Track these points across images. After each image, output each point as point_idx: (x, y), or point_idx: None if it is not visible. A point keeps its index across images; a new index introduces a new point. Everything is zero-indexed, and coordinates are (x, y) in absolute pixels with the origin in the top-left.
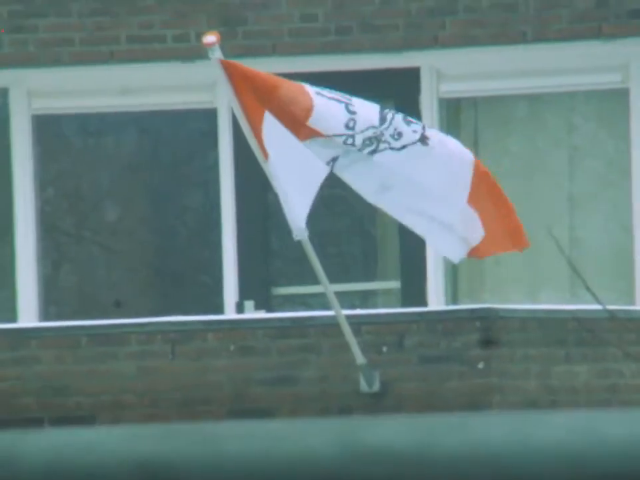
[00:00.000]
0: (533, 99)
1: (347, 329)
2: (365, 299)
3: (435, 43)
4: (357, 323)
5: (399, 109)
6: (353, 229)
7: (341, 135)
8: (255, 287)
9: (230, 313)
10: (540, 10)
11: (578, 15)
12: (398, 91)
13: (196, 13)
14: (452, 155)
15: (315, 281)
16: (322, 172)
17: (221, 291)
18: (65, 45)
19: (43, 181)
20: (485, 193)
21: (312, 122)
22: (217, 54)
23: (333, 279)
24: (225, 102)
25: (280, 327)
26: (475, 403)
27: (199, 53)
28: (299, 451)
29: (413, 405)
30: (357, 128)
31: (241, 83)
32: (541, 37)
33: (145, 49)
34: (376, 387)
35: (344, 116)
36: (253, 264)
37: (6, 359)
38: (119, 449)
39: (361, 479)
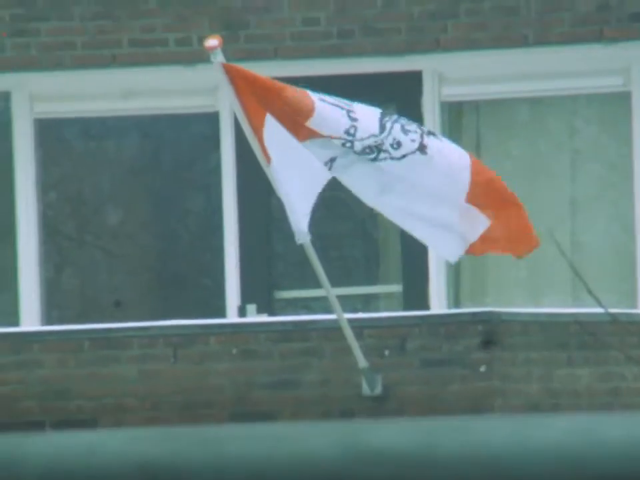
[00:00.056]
0: (535, 102)
1: (349, 333)
2: (367, 302)
3: (437, 46)
4: (359, 327)
5: (401, 112)
6: (355, 233)
7: (340, 139)
8: (257, 290)
9: (232, 317)
10: (542, 13)
11: (580, 18)
12: (400, 95)
13: (198, 16)
14: (450, 163)
15: (317, 284)
16: (323, 175)
17: (223, 294)
18: (67, 49)
19: (45, 185)
20: (486, 193)
21: (312, 123)
22: (218, 57)
23: (335, 283)
24: (226, 106)
25: (282, 330)
26: (477, 406)
27: (201, 57)
28: (300, 454)
29: (415, 408)
30: (358, 135)
31: (243, 86)
32: (542, 40)
33: (147, 53)
34: (378, 390)
35: (345, 123)
36: (255, 268)
37: (8, 362)
38: (121, 452)
39: None
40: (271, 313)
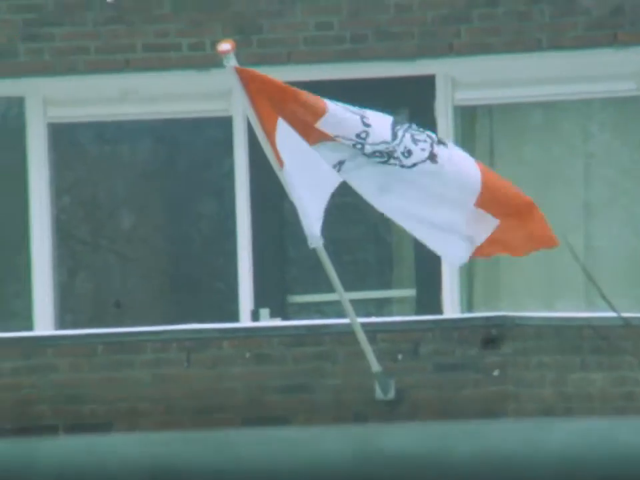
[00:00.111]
0: (548, 107)
1: (362, 337)
2: (380, 306)
3: (450, 50)
4: (372, 331)
5: (413, 117)
6: (368, 237)
7: (350, 140)
8: (270, 294)
9: (245, 321)
10: (555, 17)
11: (593, 22)
12: (413, 99)
13: (211, 21)
14: (460, 171)
15: (330, 288)
16: (334, 179)
17: (236, 298)
18: (80, 54)
19: (59, 189)
20: (496, 198)
21: (322, 124)
22: (231, 62)
23: (348, 287)
24: (240, 110)
25: (295, 334)
26: (490, 410)
27: (214, 62)
28: (314, 458)
29: (428, 412)
30: (369, 140)
31: (255, 90)
32: (556, 44)
33: (160, 58)
34: (391, 394)
35: (357, 126)
36: (268, 272)
37: (22, 366)
38: (133, 456)
39: None
40: (284, 317)
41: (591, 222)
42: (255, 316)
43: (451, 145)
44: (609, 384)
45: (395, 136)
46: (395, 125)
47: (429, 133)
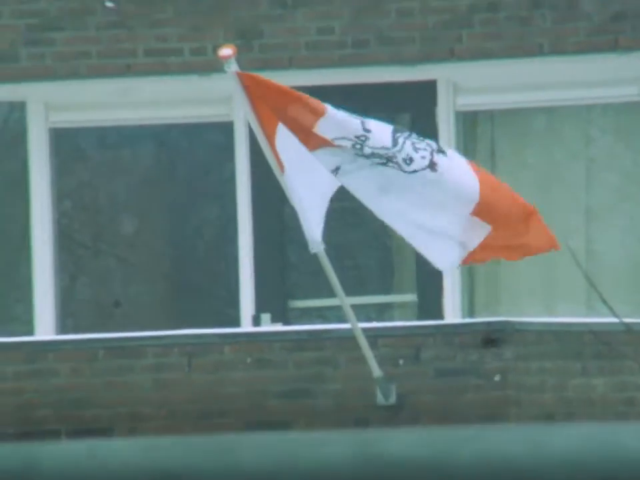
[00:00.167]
0: (550, 112)
1: (363, 342)
2: (382, 311)
3: (451, 55)
4: (373, 336)
5: (415, 122)
6: (370, 242)
7: (349, 140)
8: (271, 299)
9: (246, 326)
10: (556, 23)
11: (595, 27)
12: (415, 104)
13: (212, 26)
14: (459, 181)
15: (332, 293)
16: (333, 183)
17: (237, 303)
18: (82, 58)
19: (60, 194)
20: (494, 208)
21: (320, 126)
22: (233, 67)
23: (350, 292)
24: (241, 115)
25: (296, 339)
26: (492, 415)
27: (216, 66)
28: (315, 463)
29: (430, 417)
30: (369, 143)
31: (256, 95)
32: (557, 49)
33: (161, 62)
34: (392, 399)
35: (357, 129)
36: (270, 277)
37: (23, 371)
38: (135, 460)
39: None
40: (286, 322)
41: (593, 227)
42: (256, 321)
43: (450, 153)
44: (610, 389)
45: (395, 143)
46: (395, 132)
47: (428, 141)
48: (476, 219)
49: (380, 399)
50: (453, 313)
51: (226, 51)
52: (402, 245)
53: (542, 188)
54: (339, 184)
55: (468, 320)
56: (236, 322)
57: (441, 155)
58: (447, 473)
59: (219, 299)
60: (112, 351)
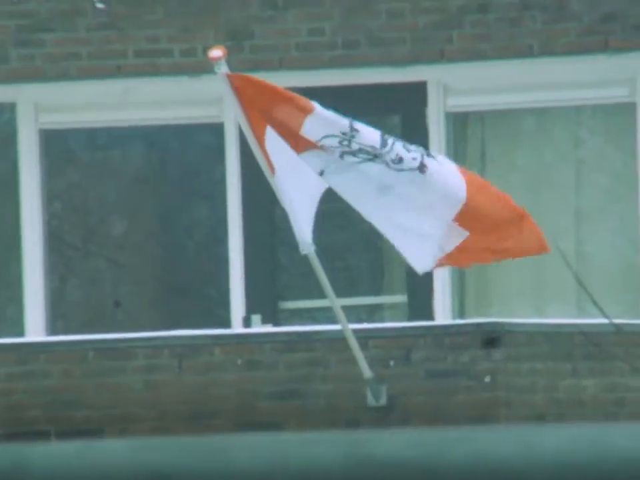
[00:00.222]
0: (540, 113)
1: (354, 343)
2: (372, 313)
3: (441, 57)
4: (363, 337)
5: (405, 123)
6: (360, 243)
7: (336, 136)
8: (261, 301)
9: (237, 327)
10: (546, 24)
11: (585, 28)
12: (405, 105)
13: (203, 27)
14: (446, 186)
15: (322, 295)
16: (321, 185)
17: (228, 305)
18: (71, 59)
19: (50, 195)
20: (478, 216)
21: (307, 126)
22: (223, 68)
23: (340, 293)
24: (231, 116)
25: (287, 341)
26: (482, 416)
27: (206, 68)
28: (305, 464)
29: (420, 418)
30: (356, 139)
31: (246, 97)
32: (547, 50)
33: (151, 63)
34: (383, 401)
35: (344, 127)
36: (260, 278)
37: (14, 372)
38: (126, 461)
39: None
40: (276, 324)
41: (582, 228)
42: (247, 322)
43: (440, 159)
44: (600, 390)
45: (384, 144)
46: (384, 135)
47: (417, 146)
48: (456, 224)
49: (370, 400)
50: (443, 314)
51: (216, 53)
52: (392, 246)
53: (532, 189)
54: (327, 185)
55: (458, 321)
56: (226, 323)
57: (431, 159)
58: (437, 474)
59: (210, 300)
60: (102, 352)
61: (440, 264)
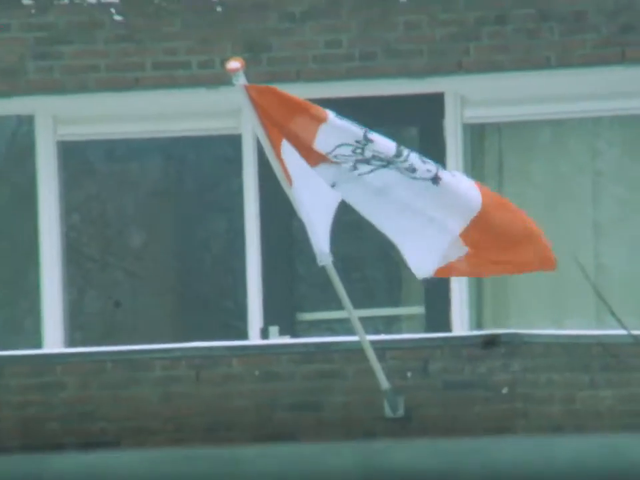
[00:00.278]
0: (557, 125)
1: (371, 355)
2: (389, 324)
3: (458, 68)
4: (381, 349)
5: (423, 134)
6: (377, 255)
7: (349, 145)
8: (279, 312)
9: (254, 339)
10: (564, 35)
11: (602, 40)
12: (422, 117)
13: (220, 39)
14: (457, 200)
15: (339, 306)
16: (336, 197)
17: (245, 316)
18: (90, 72)
19: (69, 207)
20: (485, 237)
21: (320, 136)
22: (241, 80)
23: (357, 305)
24: (249, 128)
25: (304, 352)
26: (500, 428)
27: (224, 80)
28: (323, 473)
29: (438, 430)
30: (370, 147)
31: (264, 108)
32: (564, 62)
33: (169, 76)
34: (400, 412)
35: (358, 135)
36: (278, 289)
37: (31, 384)
38: (141, 472)
39: None
40: (293, 335)
41: (600, 239)
42: (264, 334)
43: (456, 173)
44: (618, 401)
45: (399, 154)
46: (399, 146)
47: (435, 162)
48: (460, 239)
49: (388, 411)
50: (460, 325)
51: (234, 65)
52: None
53: (549, 201)
54: (341, 197)
55: (476, 332)
56: (244, 335)
57: (446, 172)
58: None
59: (227, 311)
60: (120, 363)
61: (440, 273)
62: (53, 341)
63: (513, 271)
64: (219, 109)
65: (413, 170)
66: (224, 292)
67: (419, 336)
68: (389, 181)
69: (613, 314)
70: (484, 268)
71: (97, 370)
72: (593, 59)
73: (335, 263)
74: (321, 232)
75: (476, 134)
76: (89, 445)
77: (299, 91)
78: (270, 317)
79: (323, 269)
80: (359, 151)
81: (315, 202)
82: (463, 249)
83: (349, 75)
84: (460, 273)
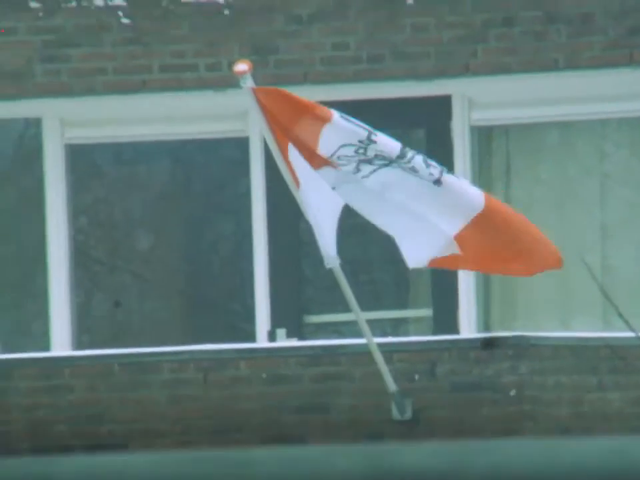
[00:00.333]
0: (565, 127)
1: (378, 357)
2: (397, 326)
3: (466, 70)
4: (388, 351)
5: (430, 137)
6: (385, 257)
7: (352, 145)
8: (286, 315)
9: (262, 341)
10: (571, 37)
11: (609, 42)
12: (429, 119)
13: (228, 41)
14: (457, 203)
15: (347, 308)
16: (340, 201)
17: (253, 319)
18: (97, 75)
19: (76, 210)
20: (481, 244)
21: (324, 136)
22: (248, 82)
23: (365, 307)
24: (256, 130)
25: (312, 354)
26: (507, 430)
27: (231, 82)
28: (329, 476)
29: (445, 432)
30: (373, 147)
31: (271, 111)
32: (572, 64)
33: (177, 78)
34: (408, 414)
35: (361, 136)
36: (285, 292)
37: (40, 387)
38: (150, 475)
39: None
40: (301, 338)
41: (608, 241)
42: (272, 336)
43: (460, 177)
44: (626, 404)
45: (403, 155)
46: (404, 147)
47: (440, 165)
48: (455, 243)
49: (395, 413)
50: (468, 327)
51: (241, 67)
52: None
53: (556, 203)
54: (344, 201)
55: (483, 334)
56: (251, 337)
57: (450, 175)
58: None
59: (235, 314)
60: (128, 366)
61: (433, 264)
62: (61, 343)
63: (520, 273)
64: (227, 111)
65: (416, 171)
66: (231, 294)
67: (427, 338)
68: (390, 179)
69: (620, 316)
70: (478, 266)
71: (105, 372)
72: (601, 61)
73: (343, 266)
74: (328, 234)
75: (483, 136)
76: (96, 447)
77: (306, 94)
78: (277, 320)
79: (331, 271)
80: (361, 151)
81: (322, 204)
82: (456, 250)
83: (356, 78)
84: (454, 266)
